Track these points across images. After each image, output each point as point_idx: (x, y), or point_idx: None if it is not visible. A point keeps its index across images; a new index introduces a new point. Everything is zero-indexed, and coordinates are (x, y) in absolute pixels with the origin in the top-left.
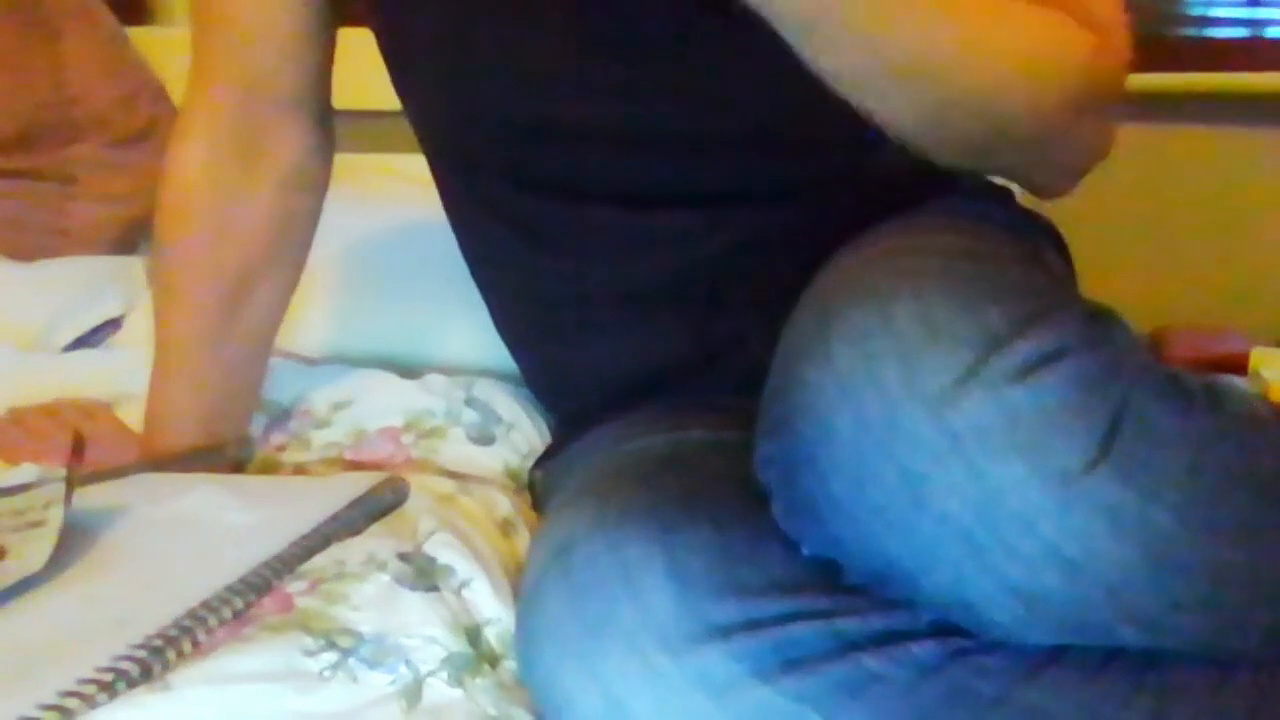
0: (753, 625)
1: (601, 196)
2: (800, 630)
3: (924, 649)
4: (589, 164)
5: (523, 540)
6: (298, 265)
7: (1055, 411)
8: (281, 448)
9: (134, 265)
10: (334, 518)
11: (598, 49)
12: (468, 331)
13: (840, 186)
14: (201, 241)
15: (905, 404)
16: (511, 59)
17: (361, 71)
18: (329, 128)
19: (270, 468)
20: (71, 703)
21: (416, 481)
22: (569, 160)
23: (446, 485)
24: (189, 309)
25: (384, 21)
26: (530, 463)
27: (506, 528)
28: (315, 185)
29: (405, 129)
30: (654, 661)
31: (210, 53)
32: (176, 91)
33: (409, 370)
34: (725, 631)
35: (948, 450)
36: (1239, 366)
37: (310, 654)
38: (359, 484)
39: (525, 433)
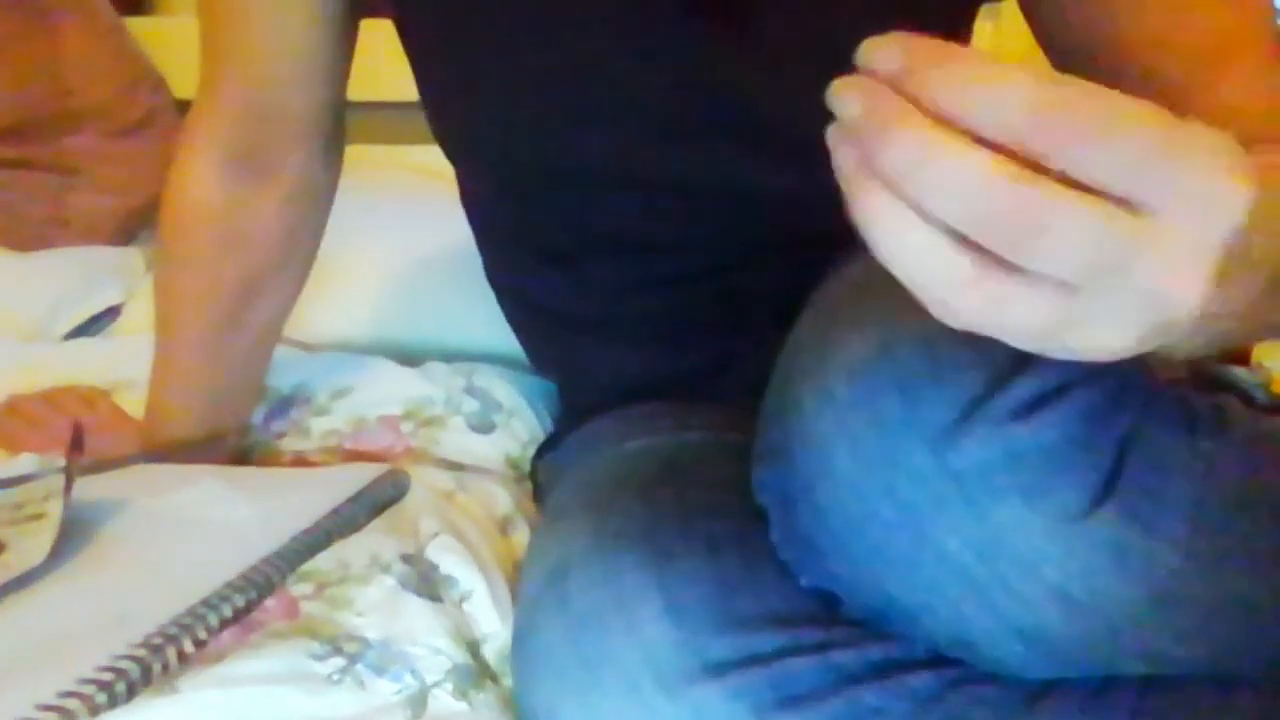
0: (749, 661)
1: (617, 235)
2: (797, 665)
3: (921, 680)
4: (604, 206)
5: (522, 537)
6: (302, 274)
7: (1059, 450)
8: (281, 435)
9: (132, 255)
10: (335, 512)
11: (600, 70)
12: (468, 319)
13: None
14: (208, 253)
15: (906, 441)
16: (529, 93)
17: (367, 63)
18: (339, 140)
19: (270, 456)
20: (71, 703)
21: (416, 476)
22: (584, 202)
23: (445, 481)
24: (193, 316)
25: (440, 57)
26: (531, 451)
27: (505, 525)
28: (321, 198)
29: (405, 120)
30: (651, 701)
31: (219, 73)
32: (175, 82)
33: (409, 358)
34: (722, 669)
35: (949, 490)
36: (1242, 356)
37: (318, 658)
38: (359, 477)
39: (526, 421)
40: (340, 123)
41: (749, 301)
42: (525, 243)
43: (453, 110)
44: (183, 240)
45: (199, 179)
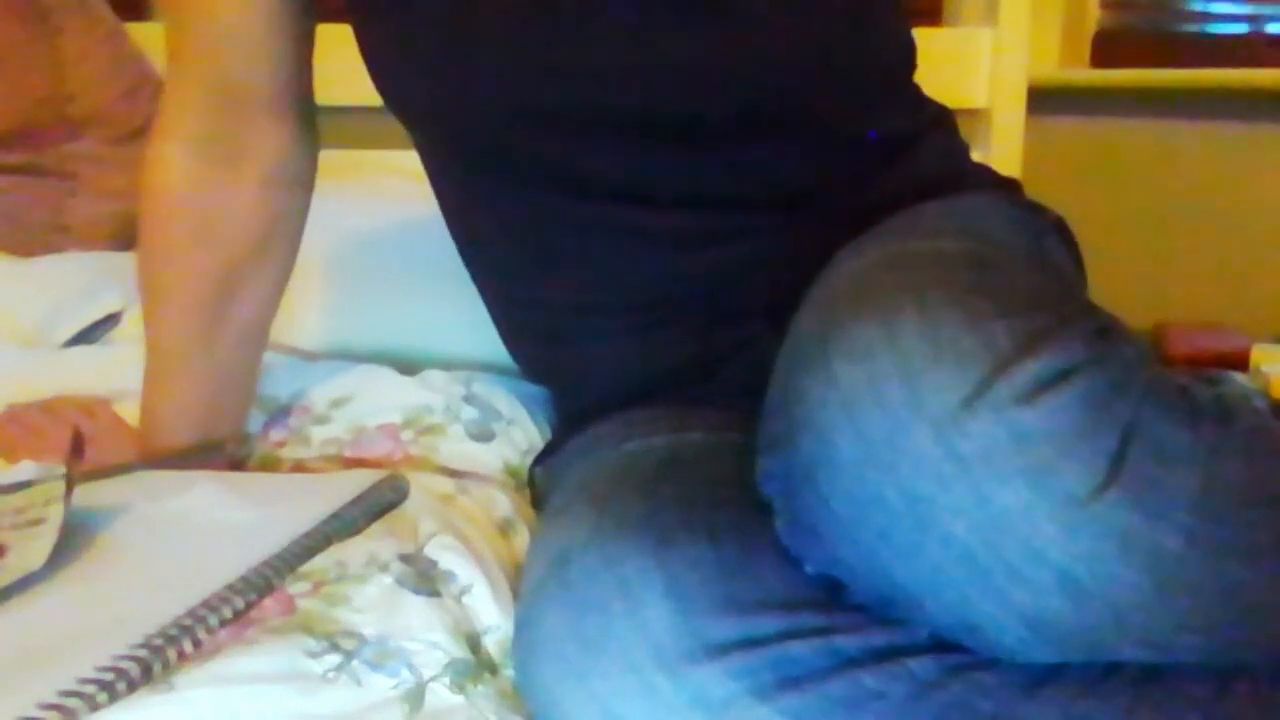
0: (750, 643)
1: (605, 193)
2: (798, 648)
3: (922, 665)
4: (593, 156)
5: (522, 540)
6: (286, 263)
7: (1063, 434)
8: (281, 444)
9: (133, 261)
10: (334, 516)
11: (600, 28)
12: (467, 327)
13: (846, 196)
14: (185, 242)
15: (910, 425)
16: (514, 42)
17: (359, 66)
18: (311, 123)
19: (269, 465)
20: (72, 702)
21: (416, 481)
22: (572, 153)
23: (445, 485)
24: (177, 310)
25: (373, 18)
26: (530, 459)
27: (506, 528)
28: (300, 182)
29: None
30: (652, 681)
31: (183, 53)
32: None
33: (408, 366)
34: (723, 650)
35: (953, 473)
36: (1240, 363)
37: (313, 655)
38: (359, 482)
39: (525, 429)
40: (309, 107)
41: (741, 278)
42: (507, 241)
43: (417, 71)
44: (160, 230)
45: (170, 166)
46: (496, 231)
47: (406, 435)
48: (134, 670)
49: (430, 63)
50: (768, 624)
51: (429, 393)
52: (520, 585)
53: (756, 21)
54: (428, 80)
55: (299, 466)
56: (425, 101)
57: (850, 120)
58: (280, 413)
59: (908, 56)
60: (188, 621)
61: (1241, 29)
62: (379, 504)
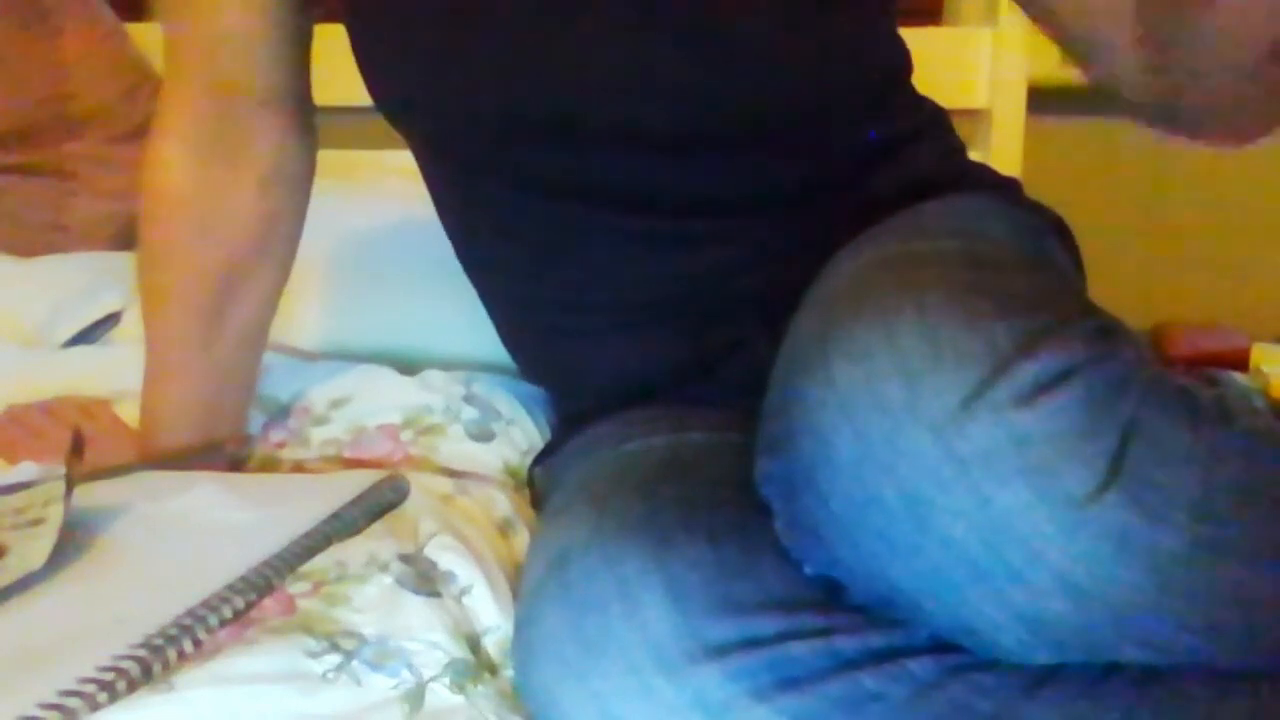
0: (749, 644)
1: (601, 197)
2: (797, 649)
3: (922, 666)
4: (589, 161)
5: (521, 540)
6: (285, 263)
7: (1063, 435)
8: (280, 445)
9: (133, 261)
10: (334, 516)
11: (599, 37)
12: (467, 327)
13: (842, 198)
14: (184, 242)
15: (909, 426)
16: (511, 48)
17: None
18: (310, 123)
19: (269, 465)
20: (73, 702)
21: (416, 481)
22: (568, 157)
23: (445, 485)
24: (176, 311)
25: (369, 18)
26: (530, 459)
27: (505, 528)
28: (298, 182)
29: None
30: (651, 682)
31: (181, 54)
32: None
33: (408, 366)
34: (722, 651)
35: (953, 475)
36: (1239, 363)
37: (313, 655)
38: (359, 482)
39: (525, 429)
40: (307, 106)
41: (739, 277)
42: (503, 242)
43: (415, 74)
44: (160, 230)
45: (170, 165)
46: (492, 232)
47: (406, 435)
48: (134, 670)
49: (426, 64)
50: (767, 625)
51: (429, 393)
52: (520, 585)
53: (756, 39)
54: (426, 80)
55: (298, 467)
56: (420, 103)
57: (849, 124)
58: (280, 413)
59: (903, 59)
60: (188, 621)
61: None
62: (379, 504)
